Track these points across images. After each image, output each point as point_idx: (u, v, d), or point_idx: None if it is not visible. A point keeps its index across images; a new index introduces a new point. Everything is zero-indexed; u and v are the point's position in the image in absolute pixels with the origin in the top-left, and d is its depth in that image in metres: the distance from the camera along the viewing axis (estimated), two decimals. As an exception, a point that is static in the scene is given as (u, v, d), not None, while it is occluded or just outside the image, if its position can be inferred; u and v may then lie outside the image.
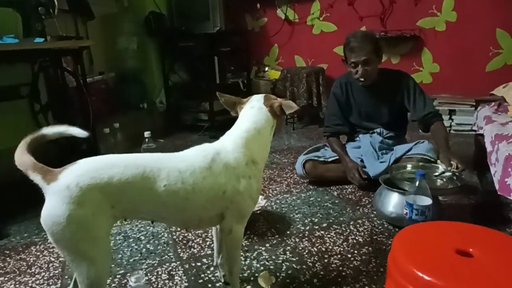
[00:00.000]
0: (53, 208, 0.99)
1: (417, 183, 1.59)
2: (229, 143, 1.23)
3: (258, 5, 4.05)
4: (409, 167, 1.97)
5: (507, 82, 2.74)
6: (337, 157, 2.33)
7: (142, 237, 1.82)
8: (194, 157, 1.18)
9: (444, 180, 1.84)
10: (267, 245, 1.69)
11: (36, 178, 1.01)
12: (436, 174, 1.86)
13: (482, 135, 2.23)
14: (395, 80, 2.23)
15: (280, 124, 3.90)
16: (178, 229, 1.86)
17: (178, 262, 1.60)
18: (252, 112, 1.28)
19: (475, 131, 2.49)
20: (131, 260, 1.63)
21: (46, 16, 2.26)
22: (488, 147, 1.97)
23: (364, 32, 2.21)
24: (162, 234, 1.84)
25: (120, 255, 1.67)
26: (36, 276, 1.56)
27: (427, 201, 1.56)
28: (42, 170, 1.02)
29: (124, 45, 3.45)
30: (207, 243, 1.73)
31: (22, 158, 1.04)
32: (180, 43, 3.62)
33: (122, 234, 1.85)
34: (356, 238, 1.72)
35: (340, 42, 3.81)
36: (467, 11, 3.38)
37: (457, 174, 1.82)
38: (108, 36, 3.46)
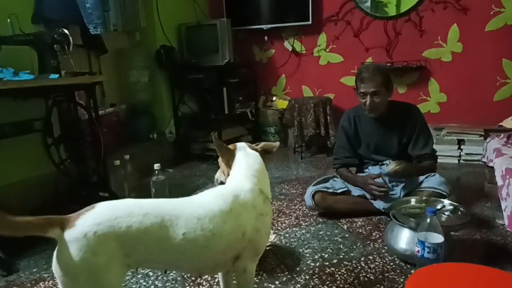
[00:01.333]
0: (68, 256, 0.97)
1: (428, 220, 1.57)
2: (246, 183, 1.24)
3: (266, 38, 4.14)
4: (412, 201, 1.96)
5: (516, 112, 2.76)
6: (346, 189, 2.33)
7: (151, 273, 1.81)
8: (214, 201, 1.17)
9: (448, 214, 1.82)
10: (277, 282, 1.67)
11: (55, 232, 0.98)
12: (438, 208, 1.84)
13: (492, 167, 2.22)
14: (404, 113, 2.25)
15: (287, 154, 3.92)
16: (187, 264, 1.85)
17: (186, 300, 1.58)
18: (251, 154, 1.35)
19: (484, 162, 2.48)
20: (139, 297, 1.62)
21: (61, 52, 2.34)
22: (499, 181, 1.95)
23: (376, 65, 2.25)
24: (171, 273, 1.82)
25: (129, 294, 1.66)
26: (45, 314, 1.55)
27: (439, 238, 1.55)
28: (59, 221, 1.00)
29: (135, 78, 3.53)
30: (216, 281, 1.71)
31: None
32: (189, 75, 3.70)
33: (131, 270, 1.84)
34: (368, 275, 1.70)
35: (347, 73, 3.93)
36: (473, 42, 3.42)
37: (461, 208, 1.80)
38: (120, 70, 3.55)
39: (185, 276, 1.76)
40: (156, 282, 1.73)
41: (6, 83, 1.99)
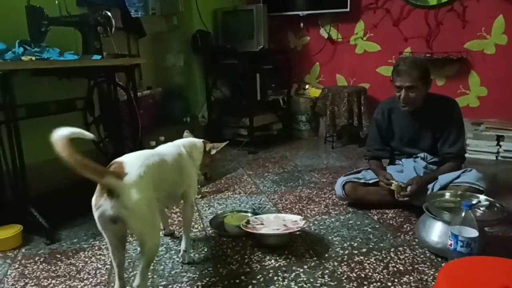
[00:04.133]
0: (133, 195, 1.26)
1: (463, 214, 1.55)
2: (185, 144, 1.79)
3: (302, 25, 4.10)
4: (447, 195, 1.93)
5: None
6: (378, 180, 2.31)
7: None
8: (173, 147, 1.71)
9: (483, 209, 1.78)
10: (305, 267, 1.70)
11: (112, 180, 1.25)
12: (474, 203, 1.80)
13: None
14: (441, 107, 2.19)
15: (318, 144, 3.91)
16: (218, 244, 1.91)
17: (217, 278, 1.63)
18: (197, 140, 1.92)
19: (525, 160, 2.39)
20: (172, 272, 1.69)
21: (104, 34, 2.42)
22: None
23: (414, 58, 2.18)
24: (203, 248, 1.89)
25: (162, 266, 1.74)
26: (85, 281, 1.64)
27: (473, 233, 1.52)
28: (112, 172, 1.28)
29: (171, 62, 3.59)
30: (245, 261, 1.76)
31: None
32: (224, 60, 3.73)
33: (164, 246, 1.92)
34: (397, 266, 1.69)
35: (384, 62, 3.85)
36: (519, 34, 3.27)
37: (497, 204, 1.76)
38: (157, 53, 3.62)
39: (216, 254, 1.81)
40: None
41: (52, 63, 2.08)
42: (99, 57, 2.32)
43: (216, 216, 2.21)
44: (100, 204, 1.28)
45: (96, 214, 1.31)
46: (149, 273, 1.46)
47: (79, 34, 2.41)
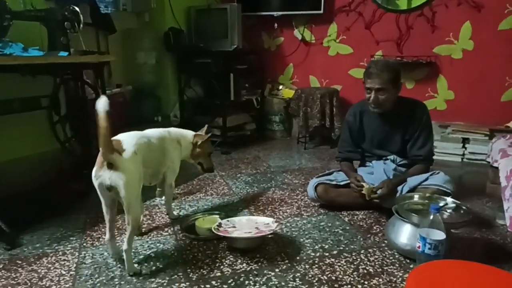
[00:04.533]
0: (128, 166, 1.59)
1: (431, 217, 1.58)
2: (172, 134, 2.07)
3: (276, 25, 4.11)
4: (416, 197, 1.97)
5: (523, 113, 2.75)
6: (349, 181, 2.33)
7: (152, 254, 1.83)
8: (159, 132, 2.00)
9: (450, 211, 1.83)
10: (277, 270, 1.69)
11: (116, 155, 1.56)
12: (441, 205, 1.84)
13: (497, 168, 2.22)
14: (411, 110, 2.24)
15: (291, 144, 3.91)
16: (188, 248, 1.87)
17: (187, 283, 1.60)
18: (188, 132, 2.18)
19: (489, 162, 2.48)
20: (140, 278, 1.64)
21: (71, 30, 2.33)
22: (503, 182, 1.96)
23: (386, 61, 2.21)
24: (173, 252, 1.85)
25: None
26: (47, 289, 1.57)
27: (440, 235, 1.56)
28: (116, 150, 1.58)
29: (142, 60, 3.51)
30: (217, 265, 1.73)
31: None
32: (197, 59, 3.68)
33: (133, 250, 1.86)
34: (367, 268, 1.71)
35: (356, 65, 3.91)
36: (484, 40, 3.39)
37: (463, 207, 1.81)
38: (128, 50, 3.53)
39: (186, 258, 1.78)
40: (158, 264, 1.75)
41: (16, 59, 1.98)
42: (66, 53, 2.24)
43: (187, 219, 2.17)
44: (100, 175, 1.58)
45: (96, 183, 1.62)
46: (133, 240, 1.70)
47: (45, 29, 2.31)
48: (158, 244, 1.92)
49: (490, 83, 3.43)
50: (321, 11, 3.81)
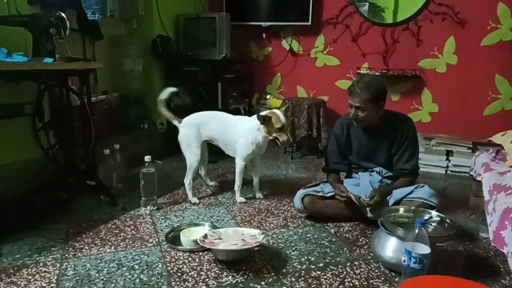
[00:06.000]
0: (182, 129, 2.58)
1: (416, 231, 1.60)
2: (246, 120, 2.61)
3: (264, 35, 4.13)
4: (401, 210, 1.98)
5: (504, 126, 2.82)
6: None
7: (136, 266, 1.80)
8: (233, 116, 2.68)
9: (435, 225, 1.85)
10: (263, 283, 1.68)
11: (175, 122, 2.62)
12: (426, 218, 1.86)
13: (480, 181, 2.26)
14: (397, 124, 2.27)
15: (278, 154, 3.91)
16: (173, 260, 1.85)
17: (172, 296, 1.57)
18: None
19: (472, 176, 2.52)
20: (124, 291, 1.61)
21: (57, 36, 2.29)
22: (486, 196, 1.99)
23: (369, 80, 2.20)
24: (157, 264, 1.81)
25: (113, 285, 1.65)
26: (26, 303, 1.53)
27: (425, 249, 1.57)
28: (177, 118, 2.62)
29: (129, 66, 3.48)
30: (202, 277, 1.71)
31: (166, 113, 2.65)
32: (185, 67, 3.66)
33: (116, 262, 1.83)
34: (353, 281, 1.71)
35: (342, 76, 3.95)
36: (468, 55, 3.47)
37: (448, 220, 1.83)
38: (114, 57, 3.49)
39: (171, 271, 1.75)
40: (142, 276, 1.72)
41: (-1, 64, 1.93)
42: (51, 60, 2.19)
43: (172, 230, 2.14)
44: None
45: None
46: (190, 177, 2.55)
47: (30, 35, 2.26)
48: (142, 256, 1.89)
49: (473, 97, 3.51)
50: (309, 23, 3.85)
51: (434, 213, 1.91)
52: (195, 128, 2.57)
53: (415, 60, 3.64)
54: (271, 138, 2.45)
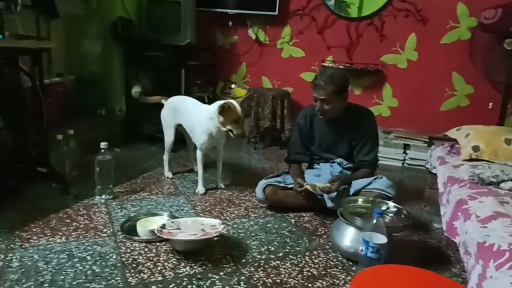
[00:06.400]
0: (163, 109, 2.69)
1: (374, 221, 1.62)
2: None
3: (230, 23, 4.05)
4: (360, 201, 2.02)
5: (458, 122, 2.93)
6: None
7: (89, 257, 1.71)
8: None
9: (392, 215, 1.89)
10: (221, 273, 1.65)
11: (163, 101, 2.71)
12: (383, 209, 1.90)
13: (435, 174, 2.34)
14: (358, 117, 2.31)
15: (241, 143, 3.88)
16: (128, 250, 1.78)
17: (126, 288, 1.51)
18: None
19: (428, 168, 2.60)
20: (74, 283, 1.53)
21: (7, 11, 2.13)
22: (440, 188, 2.06)
23: (332, 73, 2.22)
24: (111, 255, 1.74)
25: (62, 277, 1.56)
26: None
27: (382, 239, 1.60)
28: (164, 98, 2.72)
29: (87, 48, 3.31)
30: (158, 268, 1.65)
31: (152, 98, 2.90)
32: (147, 51, 3.53)
33: (67, 253, 1.74)
34: (311, 270, 1.72)
35: (307, 68, 3.96)
36: (428, 52, 3.57)
37: (404, 211, 1.88)
38: (71, 37, 3.31)
39: (126, 262, 1.69)
40: (94, 267, 1.64)
41: None
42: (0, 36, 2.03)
43: (128, 219, 2.06)
44: None
45: None
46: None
47: (-25, 8, 2.09)
48: (95, 246, 1.80)
49: (431, 93, 3.63)
50: (276, 13, 3.82)
51: (391, 204, 1.95)
52: (171, 111, 2.64)
53: (378, 55, 3.71)
54: (224, 129, 2.35)
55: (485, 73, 3.32)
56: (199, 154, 2.53)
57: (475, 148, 2.24)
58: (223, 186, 2.65)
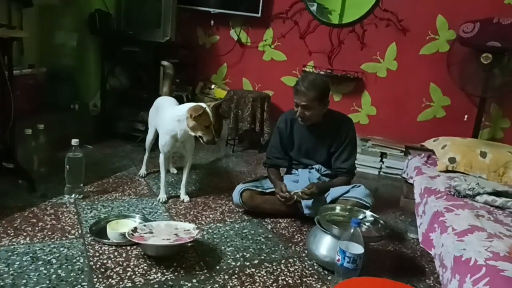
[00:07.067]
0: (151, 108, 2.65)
1: (351, 230, 1.60)
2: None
3: (212, 22, 3.99)
4: (337, 209, 2.00)
5: (434, 132, 2.98)
6: (275, 190, 2.31)
7: (54, 260, 1.62)
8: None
9: (368, 225, 1.88)
10: (194, 280, 1.59)
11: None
12: (360, 218, 1.89)
13: (411, 184, 2.35)
14: (338, 124, 2.30)
15: (219, 145, 3.82)
16: (97, 254, 1.69)
17: (92, 295, 1.43)
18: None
19: (405, 178, 2.62)
20: (37, 288, 1.43)
21: (-26, -4, 2.00)
22: (417, 199, 2.07)
23: (314, 78, 2.20)
24: (78, 258, 1.65)
25: (24, 281, 1.46)
26: None
27: (359, 249, 1.58)
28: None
29: (62, 40, 3.18)
30: (128, 274, 1.58)
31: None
32: (124, 47, 3.42)
33: (30, 255, 1.63)
34: (286, 279, 1.68)
35: (288, 73, 3.95)
36: (407, 62, 3.62)
37: (381, 221, 1.88)
38: (45, 28, 3.15)
39: (93, 266, 1.60)
40: (59, 271, 1.55)
41: None
42: (-36, 22, 1.91)
43: (98, 221, 1.97)
44: None
45: None
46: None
47: None
48: (61, 249, 1.71)
49: (409, 103, 3.69)
50: (259, 15, 3.79)
51: (368, 213, 1.94)
52: (154, 110, 2.58)
53: (358, 62, 3.74)
54: (193, 134, 2.19)
55: (462, 85, 3.40)
56: (161, 157, 2.34)
57: (452, 160, 2.27)
58: (186, 199, 2.39)
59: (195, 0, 3.89)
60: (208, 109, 2.15)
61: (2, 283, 1.44)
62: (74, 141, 2.19)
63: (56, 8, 3.23)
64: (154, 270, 1.63)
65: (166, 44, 3.48)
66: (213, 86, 4.12)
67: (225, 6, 3.88)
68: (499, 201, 1.80)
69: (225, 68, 4.17)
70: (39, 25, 3.13)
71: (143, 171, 2.75)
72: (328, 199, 2.19)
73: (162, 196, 2.36)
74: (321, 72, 3.71)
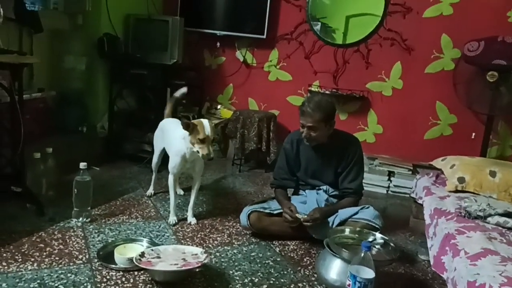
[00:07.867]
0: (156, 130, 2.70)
1: (362, 254, 1.58)
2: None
3: (218, 44, 4.05)
4: (347, 231, 1.98)
5: (442, 150, 2.96)
6: (282, 211, 2.30)
7: (61, 287, 1.61)
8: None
9: (378, 247, 1.86)
10: (203, 307, 1.57)
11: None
12: (370, 240, 1.87)
13: (420, 204, 2.33)
14: (345, 145, 2.29)
15: (225, 165, 3.82)
16: (104, 280, 1.68)
17: (100, 323, 1.42)
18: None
19: (414, 198, 2.59)
20: (44, 316, 1.42)
21: (-13, 24, 2.06)
22: (427, 220, 2.04)
23: (319, 100, 2.20)
24: (86, 285, 1.64)
25: (31, 309, 1.45)
26: None
27: (370, 274, 1.55)
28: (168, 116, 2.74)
29: (71, 64, 3.24)
30: (125, 286, 1.56)
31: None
32: (132, 69, 3.47)
33: (38, 281, 1.63)
34: (296, 305, 1.66)
35: (294, 92, 3.97)
36: (412, 81, 3.63)
37: (391, 244, 1.85)
38: (55, 52, 3.23)
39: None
40: (66, 298, 1.53)
41: None
42: (-23, 49, 1.95)
43: (106, 245, 1.96)
44: None
45: None
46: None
47: (-46, 20, 2.01)
48: (69, 275, 1.70)
49: (415, 121, 3.67)
50: (264, 36, 3.84)
51: (378, 235, 1.91)
52: (160, 132, 2.63)
53: (363, 81, 3.75)
54: (194, 149, 2.16)
55: (468, 103, 3.39)
56: (170, 178, 2.35)
57: (461, 180, 2.25)
58: (193, 222, 2.38)
59: (201, 23, 3.96)
60: (204, 122, 2.13)
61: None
62: (82, 165, 2.20)
63: (65, 33, 3.32)
64: (162, 296, 1.61)
65: (173, 66, 3.53)
66: (219, 106, 4.15)
67: (231, 29, 3.94)
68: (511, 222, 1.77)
69: (231, 89, 4.20)
70: (49, 49, 3.21)
71: (150, 190, 2.78)
72: (337, 221, 2.17)
73: (172, 218, 2.36)
74: (327, 92, 3.72)
